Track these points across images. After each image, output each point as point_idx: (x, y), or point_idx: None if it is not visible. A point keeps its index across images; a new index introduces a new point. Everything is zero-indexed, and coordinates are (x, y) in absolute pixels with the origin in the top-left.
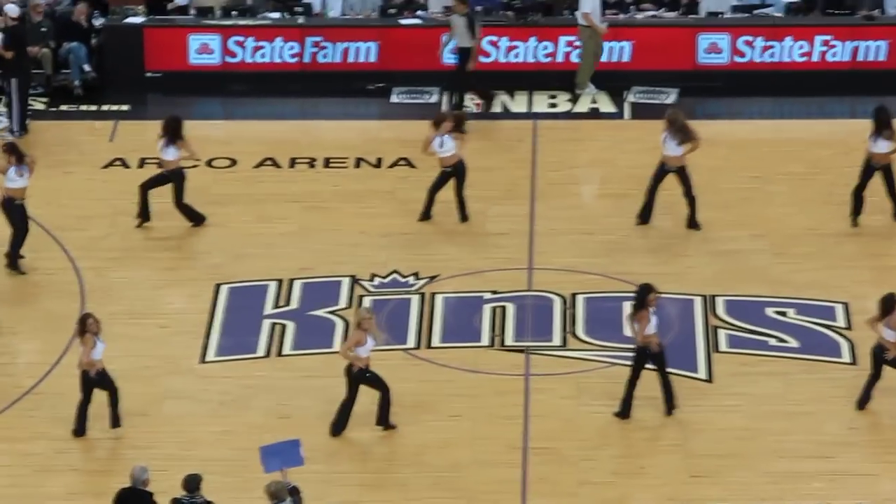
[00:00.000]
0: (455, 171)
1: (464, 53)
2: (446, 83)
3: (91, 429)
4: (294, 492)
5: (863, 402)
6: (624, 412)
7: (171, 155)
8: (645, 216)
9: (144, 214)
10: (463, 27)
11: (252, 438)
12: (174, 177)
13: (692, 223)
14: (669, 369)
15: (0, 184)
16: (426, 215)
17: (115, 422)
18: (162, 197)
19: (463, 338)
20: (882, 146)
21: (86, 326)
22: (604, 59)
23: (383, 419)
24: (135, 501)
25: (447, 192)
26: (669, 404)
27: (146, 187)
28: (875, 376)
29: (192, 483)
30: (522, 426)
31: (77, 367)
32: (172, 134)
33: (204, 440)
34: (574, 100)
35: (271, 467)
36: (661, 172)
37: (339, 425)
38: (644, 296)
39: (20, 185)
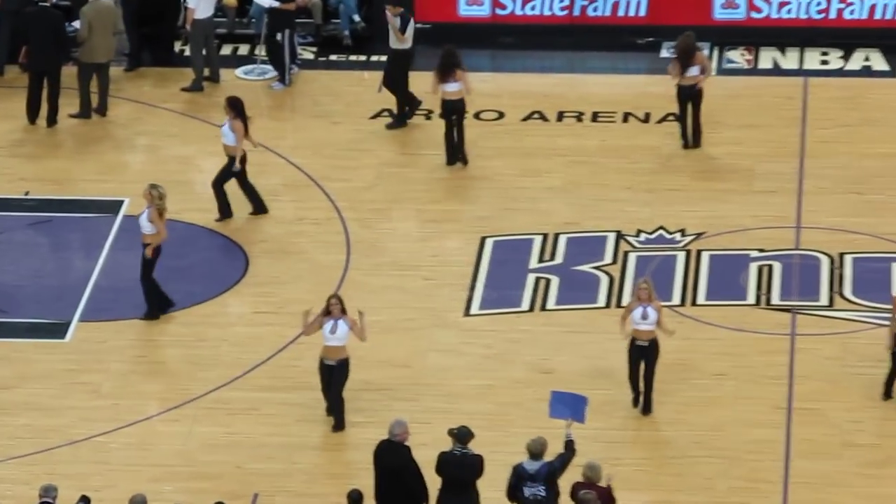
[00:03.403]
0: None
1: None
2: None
3: (352, 379)
4: (568, 445)
5: None
6: None
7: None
8: None
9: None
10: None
11: (514, 393)
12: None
13: None
14: None
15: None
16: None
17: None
18: (432, 152)
19: (728, 296)
20: None
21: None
22: (876, 16)
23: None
24: (391, 454)
25: (719, 147)
26: None
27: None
28: None
29: (465, 435)
30: (787, 386)
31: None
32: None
33: (466, 393)
34: (846, 57)
35: (557, 414)
36: None
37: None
38: None
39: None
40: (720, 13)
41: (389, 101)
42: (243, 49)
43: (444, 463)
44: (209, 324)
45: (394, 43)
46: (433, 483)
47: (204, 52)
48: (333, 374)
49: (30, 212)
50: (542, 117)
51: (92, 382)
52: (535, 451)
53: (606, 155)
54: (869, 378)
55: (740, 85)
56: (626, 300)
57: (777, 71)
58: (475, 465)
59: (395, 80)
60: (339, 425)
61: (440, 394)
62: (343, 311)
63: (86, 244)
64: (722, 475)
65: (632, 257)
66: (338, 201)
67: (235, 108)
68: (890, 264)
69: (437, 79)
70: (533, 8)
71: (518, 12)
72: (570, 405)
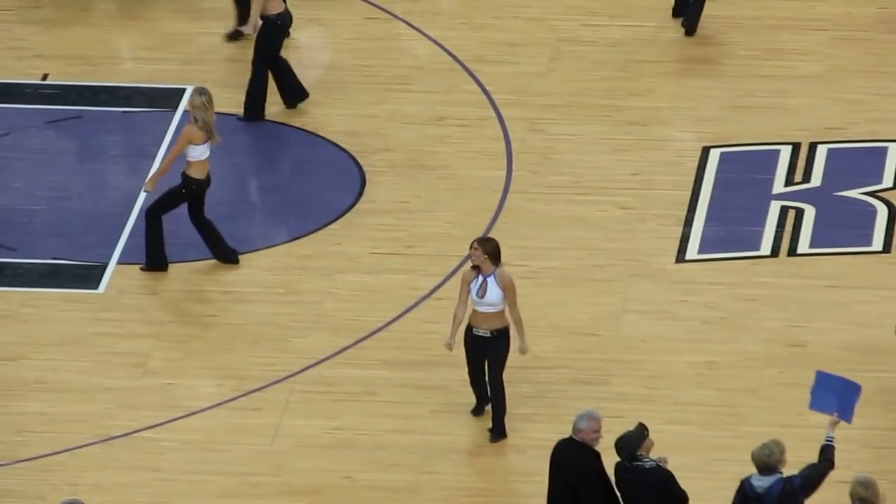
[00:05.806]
0: None
1: None
2: None
3: (512, 354)
4: (824, 453)
5: None
6: None
7: None
8: None
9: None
10: None
11: (748, 375)
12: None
13: None
14: None
15: None
16: None
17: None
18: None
19: None
20: None
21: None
22: None
23: None
24: (570, 458)
25: None
26: None
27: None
28: None
29: (630, 439)
30: None
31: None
32: None
33: (678, 374)
34: None
35: (820, 405)
36: None
37: None
38: None
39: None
40: None
41: None
42: None
43: (616, 477)
44: (307, 269)
45: None
46: None
47: None
48: (489, 350)
49: (49, 104)
50: None
51: (135, 352)
52: (762, 463)
53: (887, 28)
54: None
55: None
56: None
57: None
58: (648, 482)
59: None
60: (497, 430)
61: (640, 374)
62: (496, 262)
63: (130, 152)
64: None
65: None
66: (495, 93)
67: None
68: None
69: None
70: None
71: None
72: (839, 394)
